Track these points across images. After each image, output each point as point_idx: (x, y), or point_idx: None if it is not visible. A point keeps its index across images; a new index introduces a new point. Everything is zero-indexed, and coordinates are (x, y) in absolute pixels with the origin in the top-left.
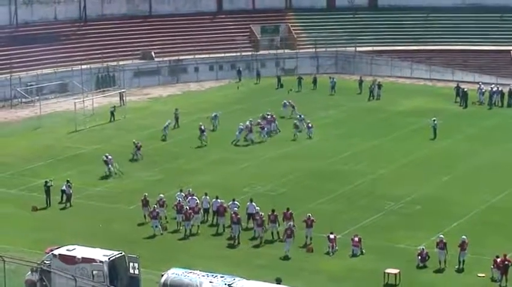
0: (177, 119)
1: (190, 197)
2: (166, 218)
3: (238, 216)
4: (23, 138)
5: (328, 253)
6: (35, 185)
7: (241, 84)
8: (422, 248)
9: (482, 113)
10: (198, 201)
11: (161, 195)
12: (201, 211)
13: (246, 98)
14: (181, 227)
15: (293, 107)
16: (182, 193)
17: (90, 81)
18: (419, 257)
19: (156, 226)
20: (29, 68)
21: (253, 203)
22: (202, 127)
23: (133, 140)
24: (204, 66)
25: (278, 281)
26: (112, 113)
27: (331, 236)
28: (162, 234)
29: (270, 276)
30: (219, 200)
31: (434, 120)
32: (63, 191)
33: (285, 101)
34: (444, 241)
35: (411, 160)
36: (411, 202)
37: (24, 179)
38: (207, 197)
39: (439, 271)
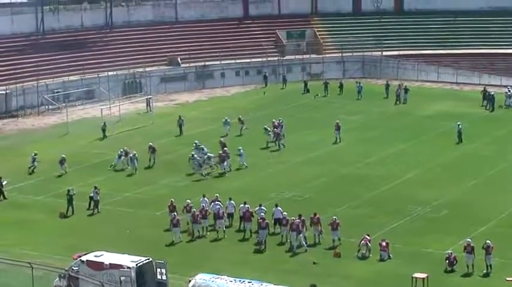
0: (180, 126)
1: (213, 203)
2: (188, 224)
3: (266, 221)
4: (50, 145)
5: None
6: (62, 192)
7: (267, 90)
8: (450, 252)
9: (509, 116)
10: (221, 206)
11: (188, 201)
12: (225, 215)
13: (272, 103)
14: (188, 227)
15: (242, 122)
16: (206, 199)
17: (116, 88)
18: (447, 262)
19: (176, 233)
20: (56, 75)
21: (279, 208)
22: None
23: (150, 143)
24: (230, 72)
25: None
26: (103, 130)
27: (383, 243)
28: (181, 241)
29: (298, 281)
30: (246, 206)
31: (459, 124)
32: (91, 198)
33: (226, 119)
34: (472, 245)
35: (438, 164)
36: (438, 206)
37: (51, 185)
38: (232, 202)
39: (466, 275)
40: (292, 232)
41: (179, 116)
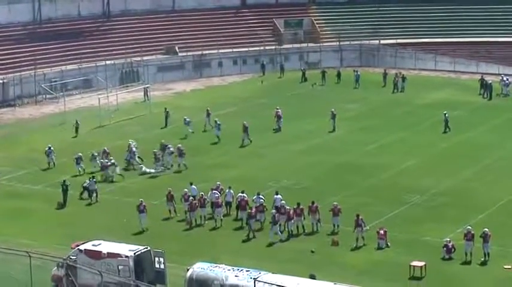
0: (166, 118)
1: (211, 192)
2: (186, 213)
3: (255, 209)
4: (48, 135)
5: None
6: (60, 181)
7: (265, 79)
8: (449, 240)
9: (507, 105)
10: (219, 195)
11: (185, 189)
12: (223, 204)
13: (270, 92)
14: (186, 216)
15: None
16: (194, 186)
17: (114, 77)
18: (445, 249)
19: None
20: (53, 64)
21: (279, 196)
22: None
23: (162, 141)
24: (228, 61)
25: (312, 278)
26: (76, 128)
27: (381, 232)
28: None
29: (295, 270)
30: (243, 194)
31: (445, 113)
32: (84, 188)
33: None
34: (472, 232)
35: (436, 153)
36: (436, 194)
37: (49, 175)
38: (231, 191)
39: (465, 263)
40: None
41: (165, 108)
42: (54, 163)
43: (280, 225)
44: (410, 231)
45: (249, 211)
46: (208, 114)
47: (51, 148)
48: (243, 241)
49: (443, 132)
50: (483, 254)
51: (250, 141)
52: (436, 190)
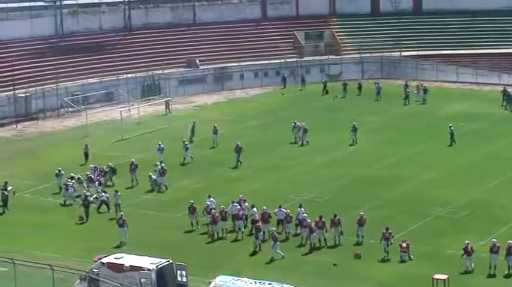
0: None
1: (232, 204)
2: (197, 224)
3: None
4: (70, 148)
5: (404, 260)
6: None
7: (286, 91)
8: (467, 243)
9: None
10: (241, 207)
11: (208, 202)
12: (245, 218)
13: (291, 104)
14: (208, 229)
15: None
16: (212, 199)
17: (135, 90)
18: (464, 252)
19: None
20: (75, 78)
21: (302, 209)
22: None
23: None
24: (249, 73)
25: None
26: (86, 154)
27: (404, 244)
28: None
29: (318, 283)
30: (265, 208)
31: (450, 126)
32: (102, 201)
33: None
34: (498, 245)
35: (458, 165)
36: (459, 206)
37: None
38: (254, 209)
39: (489, 276)
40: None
41: (194, 122)
42: (60, 187)
43: (302, 238)
44: (433, 243)
45: (258, 224)
46: (215, 131)
47: (61, 171)
48: (266, 254)
49: (448, 145)
50: (507, 267)
51: (240, 162)
52: (458, 202)
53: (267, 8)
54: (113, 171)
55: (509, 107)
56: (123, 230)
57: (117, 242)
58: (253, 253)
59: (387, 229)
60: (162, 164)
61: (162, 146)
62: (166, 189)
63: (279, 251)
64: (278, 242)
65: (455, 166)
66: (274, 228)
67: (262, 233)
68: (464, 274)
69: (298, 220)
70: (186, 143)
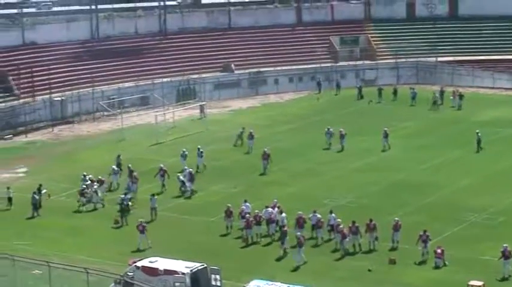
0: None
1: (265, 209)
2: (231, 227)
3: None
4: (106, 151)
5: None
6: (118, 198)
7: (321, 96)
8: (506, 246)
9: None
10: (272, 211)
11: (243, 207)
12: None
13: (326, 109)
14: (243, 233)
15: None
16: (248, 204)
17: (171, 94)
18: (502, 255)
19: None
20: (111, 82)
21: (333, 215)
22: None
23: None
24: (284, 78)
25: None
26: (119, 164)
27: (438, 250)
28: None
29: None
30: (299, 212)
31: (477, 132)
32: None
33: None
34: None
35: (494, 171)
36: (494, 213)
37: (107, 191)
38: (317, 215)
39: None
40: (343, 239)
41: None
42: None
43: (337, 243)
44: (468, 250)
45: (284, 229)
46: (251, 137)
47: (86, 177)
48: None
49: (475, 152)
50: None
51: (268, 169)
52: (494, 208)
53: (302, 12)
54: (101, 183)
55: None
56: (143, 236)
57: (144, 246)
58: (279, 258)
59: (425, 231)
60: (190, 169)
61: (186, 153)
62: (194, 194)
63: (303, 256)
64: (303, 247)
65: (489, 172)
66: (299, 233)
67: (288, 238)
68: (502, 281)
69: (331, 226)
70: (201, 150)
